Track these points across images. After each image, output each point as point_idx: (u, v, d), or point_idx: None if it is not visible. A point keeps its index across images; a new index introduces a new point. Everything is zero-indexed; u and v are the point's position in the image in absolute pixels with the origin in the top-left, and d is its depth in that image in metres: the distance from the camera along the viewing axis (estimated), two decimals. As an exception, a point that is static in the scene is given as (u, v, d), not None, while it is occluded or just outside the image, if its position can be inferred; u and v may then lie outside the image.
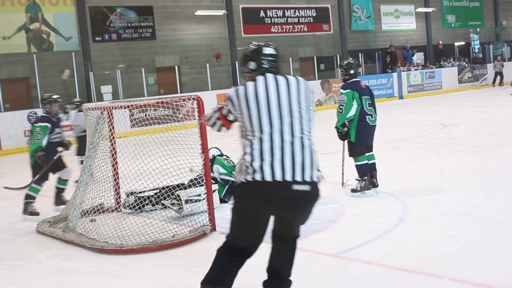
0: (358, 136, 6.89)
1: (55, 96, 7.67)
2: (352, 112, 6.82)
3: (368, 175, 6.94)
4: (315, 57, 24.94)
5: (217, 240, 5.55)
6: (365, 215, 6.07)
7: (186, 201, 6.38)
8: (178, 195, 6.48)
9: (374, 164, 7.08)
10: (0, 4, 18.53)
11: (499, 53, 31.22)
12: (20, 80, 18.96)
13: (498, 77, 28.53)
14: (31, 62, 18.49)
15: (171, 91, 20.67)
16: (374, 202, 6.62)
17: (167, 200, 6.64)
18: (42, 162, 7.29)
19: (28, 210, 7.26)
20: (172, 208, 6.53)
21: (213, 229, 5.82)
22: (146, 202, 6.78)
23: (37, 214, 7.22)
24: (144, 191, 6.96)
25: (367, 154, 6.99)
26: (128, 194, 6.95)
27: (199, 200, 6.36)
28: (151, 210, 6.85)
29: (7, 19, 18.71)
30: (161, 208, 6.81)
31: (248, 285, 4.26)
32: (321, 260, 4.76)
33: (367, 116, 6.87)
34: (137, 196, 6.78)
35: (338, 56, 25.72)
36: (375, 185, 6.98)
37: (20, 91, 18.90)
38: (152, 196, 6.89)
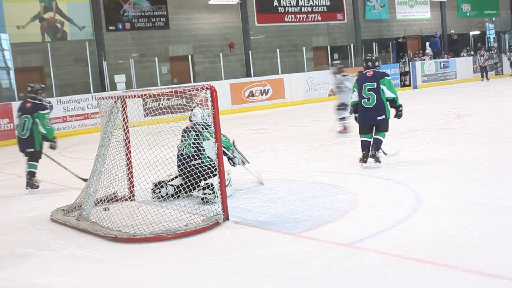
0: (358, 117, 8.14)
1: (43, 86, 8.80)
2: (353, 98, 8.16)
3: (366, 151, 7.95)
4: (328, 46, 24.82)
5: (230, 229, 5.57)
6: (378, 205, 6.06)
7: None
8: (211, 184, 6.50)
9: (364, 141, 8.02)
10: (15, -6, 18.62)
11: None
12: (34, 69, 19.05)
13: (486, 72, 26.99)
14: (45, 51, 18.56)
15: (184, 81, 20.70)
16: (388, 192, 6.61)
17: (198, 189, 6.66)
18: (55, 148, 8.60)
19: (34, 184, 8.43)
20: (206, 198, 6.55)
21: (226, 218, 5.82)
22: (180, 190, 6.87)
23: (37, 187, 8.43)
24: (171, 180, 6.98)
25: (368, 133, 8.00)
26: (156, 184, 6.95)
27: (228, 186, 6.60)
28: (186, 197, 6.87)
29: (21, 8, 18.76)
30: (193, 197, 6.81)
31: (261, 274, 4.28)
32: (333, 250, 4.75)
33: (362, 100, 7.99)
34: (171, 186, 6.91)
35: (352, 45, 25.59)
36: (361, 160, 8.00)
37: (34, 80, 18.73)
38: (181, 185, 6.91)
